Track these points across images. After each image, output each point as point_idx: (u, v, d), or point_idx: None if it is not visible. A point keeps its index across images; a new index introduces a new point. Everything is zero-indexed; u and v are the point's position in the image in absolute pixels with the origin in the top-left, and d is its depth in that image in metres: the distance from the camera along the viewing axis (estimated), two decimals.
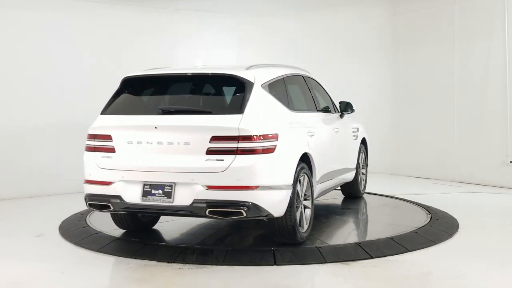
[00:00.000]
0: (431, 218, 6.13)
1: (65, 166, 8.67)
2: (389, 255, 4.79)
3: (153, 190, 4.63)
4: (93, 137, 4.94)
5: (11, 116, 8.30)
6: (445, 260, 4.70)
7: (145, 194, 4.65)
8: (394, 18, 10.86)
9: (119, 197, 4.71)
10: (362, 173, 7.58)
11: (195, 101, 5.17)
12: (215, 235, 5.59)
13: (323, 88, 6.67)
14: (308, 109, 5.90)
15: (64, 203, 7.65)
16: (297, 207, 4.91)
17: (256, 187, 4.45)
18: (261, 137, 4.50)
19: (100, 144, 4.88)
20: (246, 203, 4.42)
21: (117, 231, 5.62)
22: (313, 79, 6.44)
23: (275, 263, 4.57)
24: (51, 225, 6.14)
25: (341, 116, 6.72)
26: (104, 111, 5.07)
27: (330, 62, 10.72)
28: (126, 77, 5.32)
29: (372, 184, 8.33)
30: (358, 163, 7.26)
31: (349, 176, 6.99)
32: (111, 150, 4.82)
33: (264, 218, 4.69)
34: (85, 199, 4.96)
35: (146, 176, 4.66)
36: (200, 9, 9.85)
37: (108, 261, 4.79)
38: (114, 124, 4.88)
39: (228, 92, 5.01)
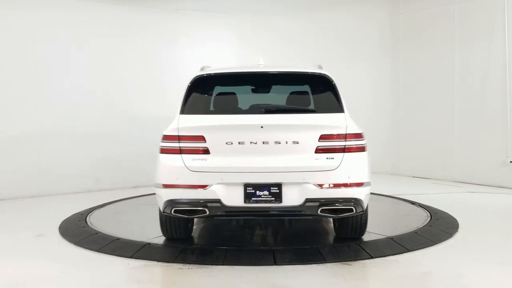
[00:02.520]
0: (431, 218, 6.13)
1: (65, 166, 8.68)
2: (389, 255, 4.79)
3: (257, 192, 4.45)
4: (176, 138, 4.57)
5: (11, 116, 8.30)
6: (445, 260, 4.69)
7: (248, 196, 4.45)
8: (394, 18, 10.86)
9: (218, 200, 4.43)
10: None
11: (290, 100, 5.09)
12: (215, 235, 5.59)
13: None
14: None
15: (64, 203, 7.65)
16: None
17: (362, 184, 4.57)
18: (362, 135, 4.65)
19: (188, 146, 4.55)
20: (356, 200, 4.51)
21: (117, 231, 5.62)
22: None
23: (275, 263, 4.57)
24: (51, 225, 6.14)
25: None
26: (185, 111, 4.72)
27: (330, 62, 10.66)
28: (200, 75, 4.99)
29: (372, 184, 8.30)
30: None
31: None
32: (205, 152, 4.53)
33: (358, 214, 4.72)
34: (169, 204, 4.55)
35: (248, 178, 4.46)
36: (200, 9, 9.86)
37: (108, 261, 4.79)
38: (207, 125, 4.57)
39: (317, 90, 5.00)
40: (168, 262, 4.64)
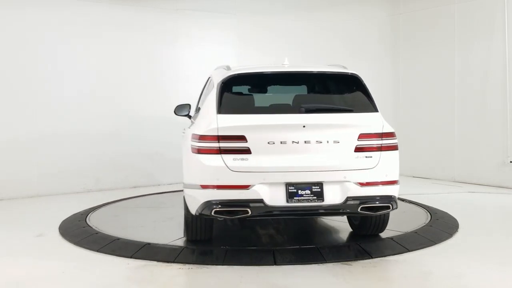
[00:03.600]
0: (431, 218, 6.13)
1: (65, 166, 8.69)
2: (389, 255, 4.79)
3: (299, 191, 4.45)
4: (215, 138, 4.48)
5: (11, 116, 8.30)
6: (445, 260, 4.69)
7: (291, 195, 4.44)
8: (394, 18, 10.86)
9: (261, 200, 4.39)
10: None
11: (325, 99, 5.11)
12: (215, 235, 5.59)
13: None
14: None
15: (64, 203, 7.66)
16: None
17: (396, 182, 4.70)
18: (395, 134, 4.78)
19: (229, 145, 4.47)
20: (392, 197, 4.63)
21: (117, 232, 5.62)
22: None
23: (275, 263, 4.57)
24: (51, 225, 6.14)
25: None
26: (223, 111, 4.63)
27: (330, 62, 10.68)
28: (233, 75, 4.93)
29: None
30: None
31: None
32: (246, 151, 4.46)
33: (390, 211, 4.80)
34: (208, 205, 4.47)
35: (289, 177, 4.46)
36: (200, 9, 9.86)
37: (108, 261, 4.79)
38: (249, 124, 4.52)
39: (349, 90, 5.06)
40: (168, 262, 4.64)
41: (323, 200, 4.46)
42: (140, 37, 9.38)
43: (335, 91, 5.18)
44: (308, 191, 4.46)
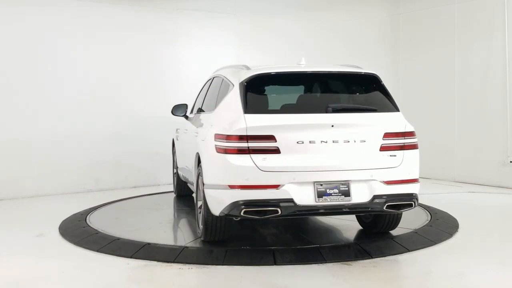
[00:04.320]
0: (431, 218, 6.13)
1: (65, 166, 8.69)
2: (389, 255, 4.79)
3: (328, 190, 4.49)
4: (244, 138, 4.45)
5: (11, 116, 8.31)
6: (445, 260, 4.69)
7: (320, 194, 4.47)
8: (394, 18, 10.86)
9: (291, 200, 4.40)
10: None
11: (349, 99, 5.15)
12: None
13: None
14: None
15: (64, 203, 7.66)
16: None
17: (417, 180, 4.87)
18: (415, 133, 4.92)
19: (258, 145, 4.45)
20: (415, 195, 4.76)
21: (117, 232, 5.61)
22: None
23: (275, 263, 4.57)
24: (51, 225, 6.15)
25: None
26: (250, 111, 4.60)
27: (330, 62, 10.70)
28: (257, 74, 4.91)
29: None
30: None
31: None
32: (275, 151, 4.46)
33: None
34: (236, 206, 4.42)
35: (318, 176, 4.49)
36: (200, 9, 9.86)
37: (108, 261, 4.79)
38: (278, 124, 4.52)
39: (369, 90, 5.11)
40: (168, 262, 4.64)
41: (350, 199, 4.52)
42: (140, 37, 9.37)
43: (356, 91, 5.22)
44: (336, 190, 4.50)
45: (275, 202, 4.39)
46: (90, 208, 6.99)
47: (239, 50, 10.16)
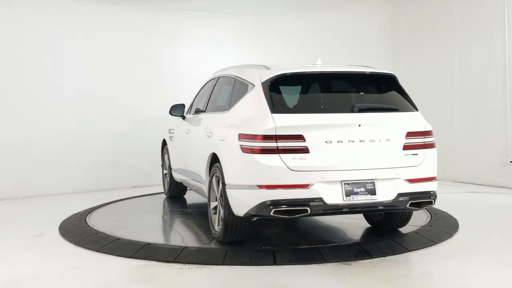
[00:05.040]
0: (431, 218, 6.13)
1: (65, 166, 8.69)
2: (389, 255, 4.79)
3: (355, 189, 4.55)
4: (273, 138, 4.46)
5: (11, 115, 8.31)
6: (445, 260, 4.70)
7: (348, 193, 4.52)
8: (394, 18, 10.86)
9: (320, 199, 4.45)
10: None
11: (371, 99, 5.20)
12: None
13: None
14: None
15: (64, 203, 7.66)
16: None
17: (436, 178, 4.93)
18: (433, 133, 5.01)
19: (288, 145, 4.47)
20: (434, 193, 4.85)
21: (117, 232, 5.61)
22: None
23: (275, 263, 4.58)
24: (51, 225, 6.14)
25: None
26: (277, 110, 4.61)
27: (330, 62, 10.70)
28: (280, 74, 4.91)
29: None
30: None
31: None
32: (304, 150, 4.49)
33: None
34: (266, 205, 4.41)
35: (345, 175, 4.54)
36: (200, 9, 9.86)
37: (108, 261, 4.79)
38: (307, 123, 4.55)
39: (388, 90, 5.18)
40: (168, 262, 4.64)
41: (376, 197, 4.59)
42: (140, 37, 9.37)
43: (376, 90, 5.27)
44: (362, 189, 4.57)
45: (305, 202, 4.43)
46: (90, 208, 6.99)
47: (239, 50, 10.16)
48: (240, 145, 4.61)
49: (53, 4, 8.60)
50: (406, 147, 4.76)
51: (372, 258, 4.70)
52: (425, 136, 4.89)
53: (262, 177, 4.46)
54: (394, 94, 5.13)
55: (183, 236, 5.72)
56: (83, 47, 8.86)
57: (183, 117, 6.79)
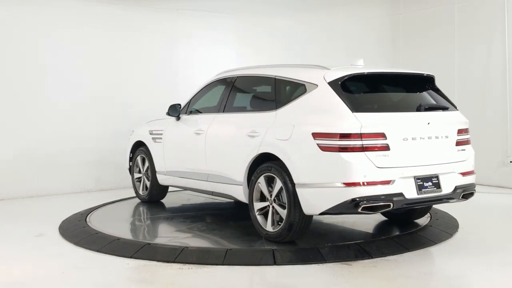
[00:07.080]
0: (431, 218, 6.13)
1: (65, 166, 8.68)
2: (389, 255, 4.79)
3: (424, 183, 4.82)
4: (358, 136, 4.57)
5: (11, 115, 8.30)
6: (445, 260, 4.70)
7: (420, 188, 4.78)
8: (394, 18, 10.86)
9: (401, 194, 4.66)
10: None
11: (425, 98, 5.35)
12: (215, 235, 5.59)
13: None
14: None
15: (64, 203, 7.66)
16: None
17: (474, 171, 5.35)
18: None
19: (372, 143, 4.63)
20: (474, 185, 5.30)
21: (117, 232, 5.62)
22: None
23: (275, 263, 4.58)
24: (51, 225, 6.14)
25: None
26: (358, 109, 4.71)
27: (330, 62, 10.70)
28: (353, 74, 5.02)
29: None
30: None
31: None
32: (386, 148, 4.66)
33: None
34: (354, 202, 4.51)
35: (416, 171, 4.80)
36: (200, 9, 9.85)
37: (108, 261, 4.79)
38: (388, 122, 4.77)
39: (429, 89, 5.43)
40: (168, 262, 4.65)
41: (441, 190, 4.91)
42: (140, 37, 9.36)
43: (426, 90, 5.45)
44: (430, 183, 4.86)
45: (390, 197, 4.62)
46: (90, 208, 6.99)
47: (239, 50, 10.16)
48: (318, 143, 4.68)
49: (53, 4, 8.59)
50: (458, 143, 5.14)
51: (372, 258, 4.70)
52: (468, 133, 5.32)
53: (350, 175, 4.55)
54: (434, 93, 5.41)
55: (183, 235, 5.72)
56: (83, 47, 8.85)
57: (178, 118, 6.70)
